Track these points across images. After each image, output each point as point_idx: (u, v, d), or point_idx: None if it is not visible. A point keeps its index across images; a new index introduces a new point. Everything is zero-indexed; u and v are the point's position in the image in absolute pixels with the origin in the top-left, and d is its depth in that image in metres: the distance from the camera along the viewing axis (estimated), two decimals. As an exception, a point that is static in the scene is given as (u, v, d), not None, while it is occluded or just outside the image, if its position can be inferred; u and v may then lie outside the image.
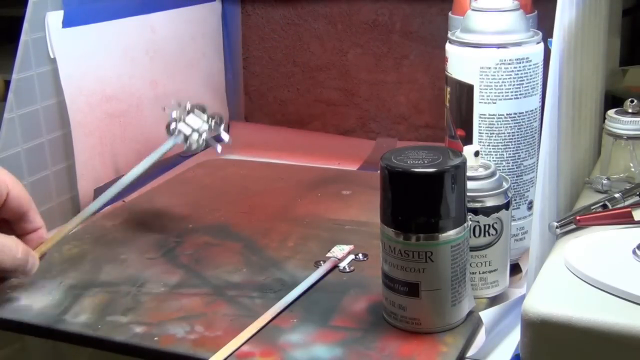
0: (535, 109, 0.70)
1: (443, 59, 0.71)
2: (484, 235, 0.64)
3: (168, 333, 0.62)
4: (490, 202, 0.64)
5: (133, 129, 0.99)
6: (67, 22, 0.87)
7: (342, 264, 0.72)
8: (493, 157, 0.69)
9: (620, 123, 0.71)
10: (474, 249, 0.64)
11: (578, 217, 0.62)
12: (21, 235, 0.68)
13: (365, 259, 0.73)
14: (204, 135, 0.79)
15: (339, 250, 0.74)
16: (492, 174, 0.65)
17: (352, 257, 0.73)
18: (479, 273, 0.65)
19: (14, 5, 0.99)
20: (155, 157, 0.77)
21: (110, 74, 0.94)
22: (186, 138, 0.78)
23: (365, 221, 0.81)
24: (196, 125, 0.79)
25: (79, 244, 0.78)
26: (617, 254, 0.58)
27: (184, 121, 0.79)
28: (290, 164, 1.03)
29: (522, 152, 0.70)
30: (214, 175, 0.98)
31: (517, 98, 0.68)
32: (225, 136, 0.81)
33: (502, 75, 0.67)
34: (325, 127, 1.19)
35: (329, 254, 0.73)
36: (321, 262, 0.72)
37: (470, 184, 0.62)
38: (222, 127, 0.81)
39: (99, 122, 0.93)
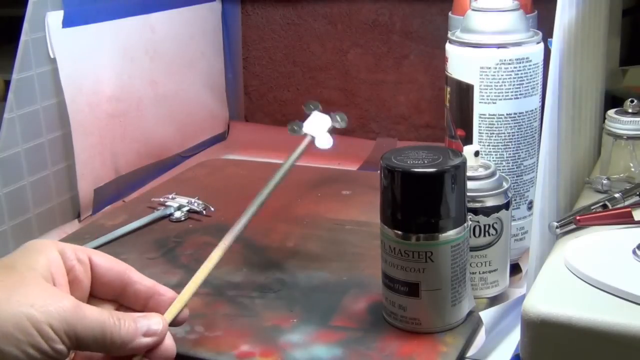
0: (535, 109, 0.70)
1: (443, 59, 0.71)
2: (484, 235, 0.64)
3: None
4: (490, 202, 0.64)
5: (133, 129, 0.99)
6: (67, 22, 0.87)
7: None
8: (493, 157, 0.69)
9: (620, 123, 0.71)
10: (474, 249, 0.64)
11: (578, 217, 0.62)
12: (141, 305, 0.56)
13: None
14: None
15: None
16: (492, 174, 0.65)
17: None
18: (479, 273, 0.65)
19: (14, 5, 0.99)
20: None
21: (110, 74, 0.94)
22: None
23: (365, 221, 0.81)
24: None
25: (78, 244, 0.78)
26: (617, 254, 0.57)
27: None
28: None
29: (522, 152, 0.70)
30: (214, 175, 0.98)
31: (517, 98, 0.68)
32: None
33: (502, 75, 0.67)
34: (325, 127, 1.18)
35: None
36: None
37: (470, 184, 0.62)
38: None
39: (99, 122, 0.93)
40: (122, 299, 0.55)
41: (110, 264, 0.55)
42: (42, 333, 0.46)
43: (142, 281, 0.55)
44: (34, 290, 0.48)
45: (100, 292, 0.55)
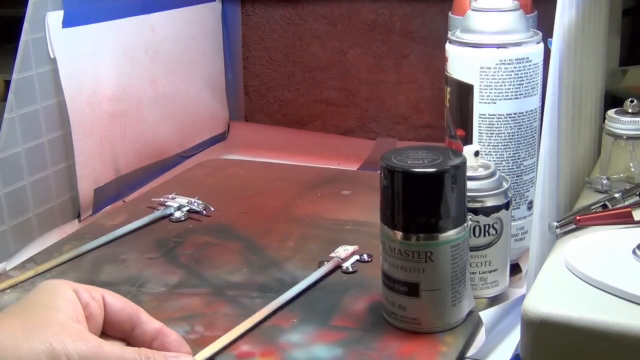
0: (535, 109, 0.70)
1: (443, 59, 0.71)
2: (484, 235, 0.64)
3: (168, 333, 0.62)
4: (490, 202, 0.64)
5: (133, 129, 0.99)
6: (67, 22, 0.87)
7: (346, 265, 0.72)
8: (493, 157, 0.69)
9: (620, 123, 0.71)
10: (474, 249, 0.64)
11: (578, 217, 0.62)
12: (147, 345, 0.56)
13: (369, 260, 0.73)
14: None
15: (342, 251, 0.73)
16: (492, 174, 0.65)
17: (356, 257, 0.73)
18: (479, 273, 0.65)
19: (14, 5, 0.99)
20: None
21: (110, 74, 0.94)
22: None
23: (365, 221, 0.81)
24: None
25: (78, 244, 0.78)
26: (617, 254, 0.57)
27: None
28: (290, 164, 1.03)
29: (522, 152, 0.70)
30: (214, 175, 0.98)
31: (517, 98, 0.68)
32: None
33: (502, 75, 0.67)
34: (325, 127, 1.19)
35: (332, 254, 0.73)
36: (324, 262, 0.72)
37: (470, 184, 0.62)
38: None
39: (99, 122, 0.93)
40: (130, 338, 0.55)
41: (122, 304, 0.55)
42: None
43: (150, 322, 0.55)
44: (55, 329, 0.48)
45: (110, 330, 0.54)
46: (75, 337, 0.48)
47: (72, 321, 0.50)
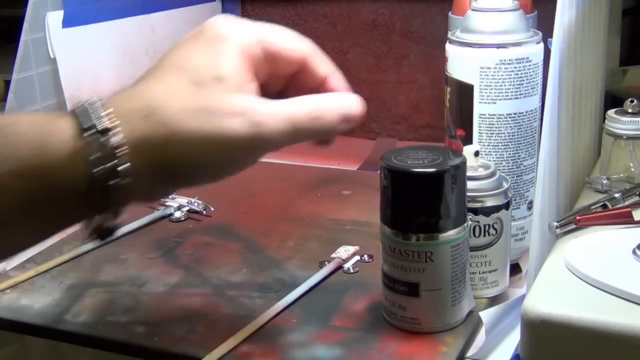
0: (535, 109, 0.70)
1: (443, 59, 0.71)
2: (484, 235, 0.64)
3: (168, 333, 0.62)
4: (490, 202, 0.64)
5: (133, 129, 0.98)
6: (67, 22, 0.86)
7: (347, 265, 0.72)
8: (493, 157, 0.69)
9: (620, 123, 0.71)
10: (473, 249, 0.64)
11: (578, 217, 0.62)
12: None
13: (370, 260, 0.73)
14: None
15: (344, 251, 0.73)
16: (492, 174, 0.65)
17: (357, 258, 0.73)
18: (479, 273, 0.65)
19: (14, 5, 0.99)
20: None
21: (110, 74, 0.94)
22: None
23: (365, 221, 0.81)
24: None
25: (78, 243, 0.78)
26: (617, 254, 0.57)
27: None
28: (290, 164, 1.03)
29: (522, 152, 0.70)
30: (214, 175, 0.98)
31: (517, 98, 0.68)
32: None
33: (502, 75, 0.67)
34: (325, 127, 1.18)
35: (334, 255, 0.73)
36: (325, 263, 0.72)
37: (470, 184, 0.62)
38: None
39: (99, 122, 0.92)
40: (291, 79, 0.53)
41: (290, 54, 0.52)
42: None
43: (318, 69, 0.53)
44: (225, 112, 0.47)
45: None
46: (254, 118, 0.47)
47: (239, 93, 0.48)
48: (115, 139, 0.45)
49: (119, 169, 0.45)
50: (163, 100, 0.46)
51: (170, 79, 0.48)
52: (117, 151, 0.45)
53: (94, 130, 0.45)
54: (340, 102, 0.53)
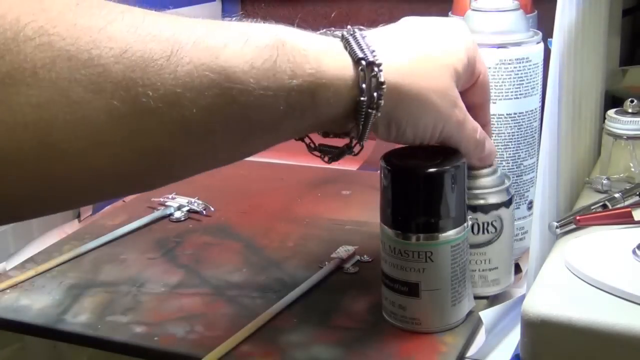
0: (535, 109, 0.70)
1: (443, 59, 0.71)
2: (483, 233, 0.64)
3: (168, 333, 0.62)
4: (491, 200, 0.64)
5: (133, 129, 0.98)
6: (67, 22, 0.86)
7: (347, 265, 0.72)
8: (493, 157, 0.69)
9: (620, 123, 0.71)
10: (472, 246, 0.64)
11: (578, 217, 0.62)
12: None
13: (370, 260, 0.73)
14: None
15: (344, 251, 0.73)
16: (494, 171, 0.64)
17: (357, 258, 0.73)
18: (479, 271, 0.65)
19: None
20: None
21: (110, 74, 0.94)
22: None
23: (365, 221, 0.81)
24: None
25: (78, 244, 0.78)
26: (617, 254, 0.57)
27: None
28: (290, 164, 1.03)
29: (522, 152, 0.70)
30: (214, 176, 0.98)
31: (517, 98, 0.68)
32: None
33: (502, 75, 0.67)
34: (325, 127, 1.18)
35: (333, 255, 0.73)
36: (325, 263, 0.72)
37: (470, 182, 0.62)
38: None
39: (99, 122, 0.92)
40: None
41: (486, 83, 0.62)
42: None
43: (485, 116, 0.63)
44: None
45: None
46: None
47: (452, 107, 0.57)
48: (381, 74, 0.52)
49: (379, 101, 0.52)
50: (416, 65, 0.56)
51: (418, 55, 0.58)
52: (382, 86, 0.52)
53: (365, 64, 0.52)
54: (494, 147, 0.63)
